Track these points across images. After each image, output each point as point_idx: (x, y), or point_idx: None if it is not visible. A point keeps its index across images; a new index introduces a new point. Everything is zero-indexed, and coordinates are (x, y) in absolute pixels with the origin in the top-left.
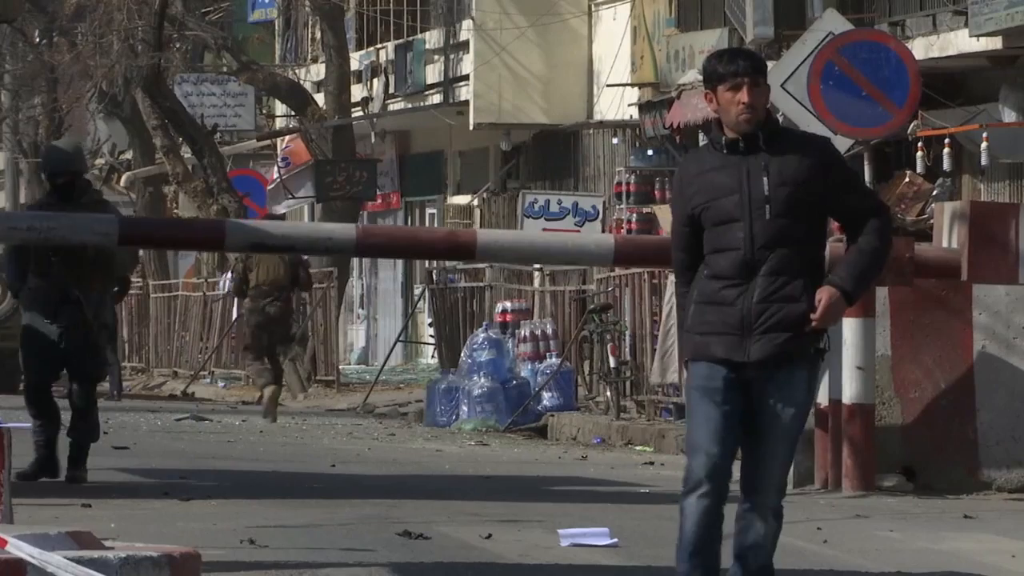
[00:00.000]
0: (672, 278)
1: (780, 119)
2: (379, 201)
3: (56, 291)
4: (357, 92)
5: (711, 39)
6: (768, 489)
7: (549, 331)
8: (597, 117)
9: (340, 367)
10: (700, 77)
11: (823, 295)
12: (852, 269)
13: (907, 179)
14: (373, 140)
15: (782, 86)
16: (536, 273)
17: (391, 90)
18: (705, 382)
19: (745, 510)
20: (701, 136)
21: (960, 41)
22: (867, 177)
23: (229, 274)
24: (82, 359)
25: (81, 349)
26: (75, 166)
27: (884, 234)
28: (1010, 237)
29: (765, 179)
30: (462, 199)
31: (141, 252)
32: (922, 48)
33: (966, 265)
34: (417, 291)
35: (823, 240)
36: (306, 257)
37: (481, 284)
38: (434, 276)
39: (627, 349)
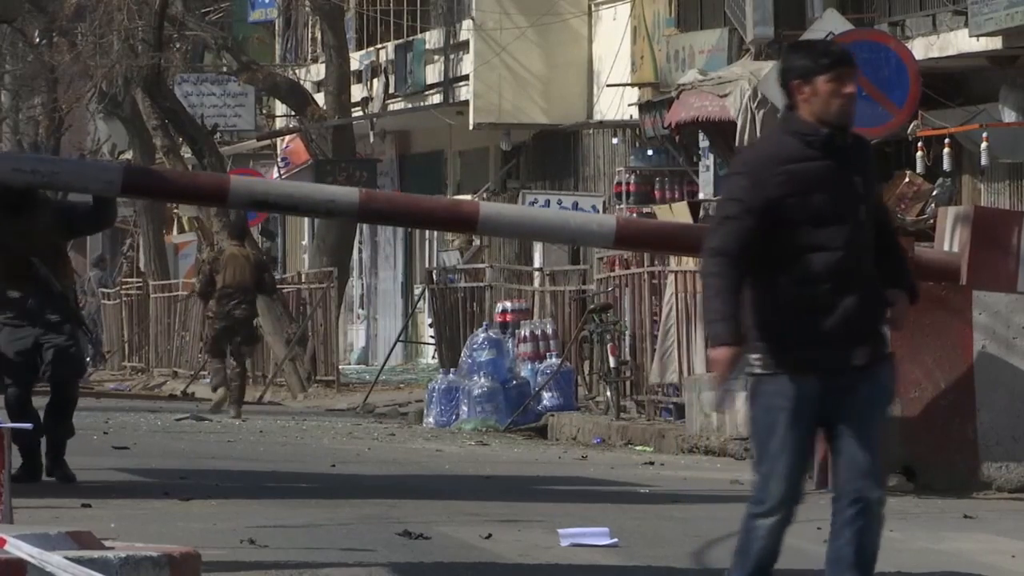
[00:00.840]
0: (671, 278)
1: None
2: None
3: (40, 293)
4: (357, 92)
5: (711, 39)
6: (878, 484)
7: (549, 331)
8: (597, 117)
9: (340, 367)
10: (700, 77)
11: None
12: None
13: (907, 179)
14: (372, 140)
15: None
16: (536, 273)
17: (391, 90)
18: (796, 404)
19: (854, 514)
20: (701, 136)
21: (960, 41)
22: None
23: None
24: (67, 357)
25: (66, 347)
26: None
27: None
28: (1012, 244)
29: (859, 177)
30: (462, 199)
31: (142, 255)
32: (922, 48)
33: (966, 270)
34: (417, 291)
35: None
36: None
37: (481, 284)
38: (434, 276)
39: (627, 349)
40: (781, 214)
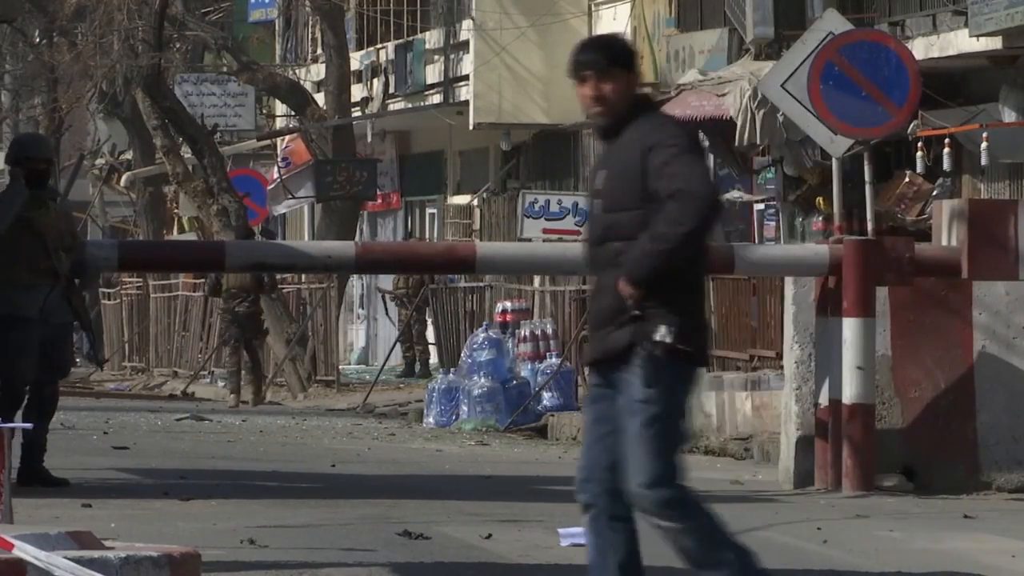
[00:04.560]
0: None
1: (780, 119)
2: (379, 201)
3: (59, 288)
4: (357, 92)
5: (711, 39)
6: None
7: (549, 331)
8: None
9: (340, 367)
10: (700, 77)
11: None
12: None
13: (907, 179)
14: (370, 139)
15: (782, 86)
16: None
17: (391, 90)
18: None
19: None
20: (701, 136)
21: (960, 41)
22: (867, 177)
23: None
24: (68, 359)
25: (69, 348)
26: (51, 153)
27: (668, 220)
28: (1009, 234)
29: (604, 171)
30: (462, 199)
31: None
32: (922, 48)
33: (966, 263)
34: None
35: None
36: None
37: (481, 284)
38: (434, 276)
39: None
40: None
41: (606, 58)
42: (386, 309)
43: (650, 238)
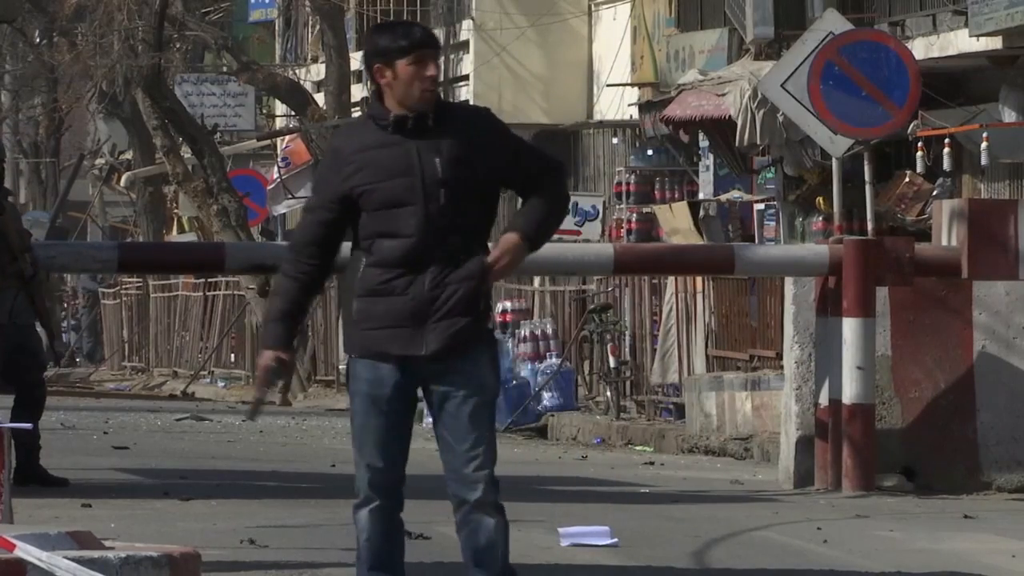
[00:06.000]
0: (672, 278)
1: (780, 119)
2: None
3: (24, 290)
4: (357, 92)
5: (711, 39)
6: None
7: (549, 331)
8: (597, 117)
9: (340, 367)
10: (700, 77)
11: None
12: (530, 215)
13: (907, 179)
14: None
15: (782, 86)
16: None
17: None
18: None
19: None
20: (701, 136)
21: (960, 41)
22: (867, 177)
23: None
24: (38, 348)
25: (35, 338)
26: (3, 153)
27: (560, 186)
28: (1009, 233)
29: (439, 159)
30: None
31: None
32: (922, 48)
33: (966, 262)
34: None
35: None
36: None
37: None
38: None
39: (627, 349)
40: (358, 203)
41: (436, 41)
42: None
43: (549, 202)
